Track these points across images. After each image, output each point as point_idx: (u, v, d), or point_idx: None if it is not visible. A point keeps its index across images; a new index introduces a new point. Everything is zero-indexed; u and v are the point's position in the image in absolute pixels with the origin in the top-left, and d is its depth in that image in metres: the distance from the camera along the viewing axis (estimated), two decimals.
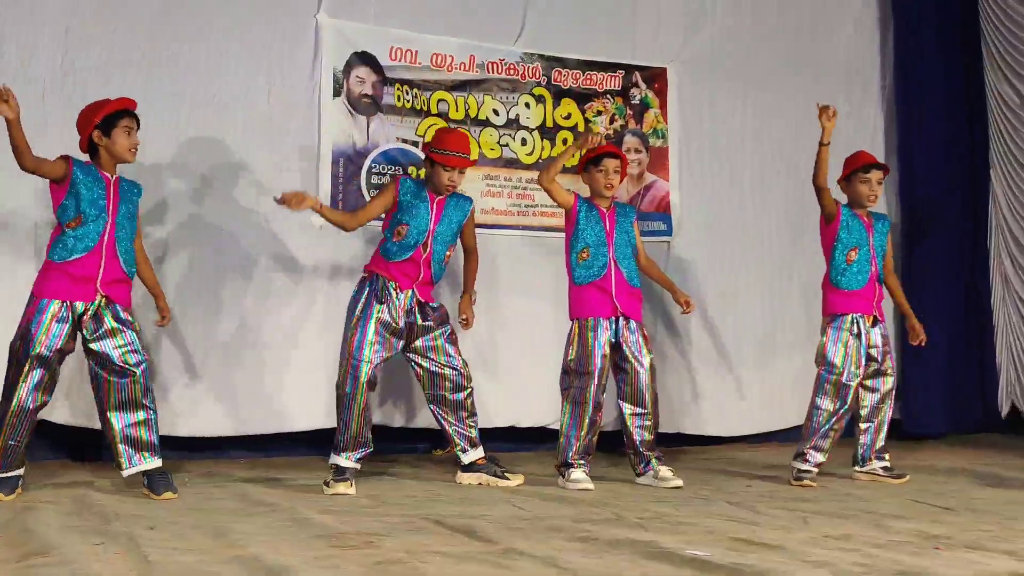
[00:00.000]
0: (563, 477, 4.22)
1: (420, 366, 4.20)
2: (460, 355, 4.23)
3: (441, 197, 4.21)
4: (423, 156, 4.35)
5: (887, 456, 4.53)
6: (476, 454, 4.26)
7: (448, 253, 4.24)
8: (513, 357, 5.21)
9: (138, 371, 3.74)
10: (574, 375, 4.28)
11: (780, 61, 6.02)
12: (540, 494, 3.96)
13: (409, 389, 5.01)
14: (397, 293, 4.10)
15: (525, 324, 5.22)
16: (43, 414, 4.32)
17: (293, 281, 4.89)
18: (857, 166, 4.50)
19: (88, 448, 4.57)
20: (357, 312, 4.09)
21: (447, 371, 4.18)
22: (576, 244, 4.31)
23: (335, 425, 4.09)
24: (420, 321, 4.14)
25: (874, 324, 4.47)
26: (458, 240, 4.30)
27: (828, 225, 4.46)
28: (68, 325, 3.68)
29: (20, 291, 4.15)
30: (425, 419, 5.10)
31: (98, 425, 4.47)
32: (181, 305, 4.64)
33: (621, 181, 4.45)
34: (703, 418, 5.62)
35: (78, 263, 3.70)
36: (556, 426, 5.25)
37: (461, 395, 4.22)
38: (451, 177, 4.16)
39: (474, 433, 4.27)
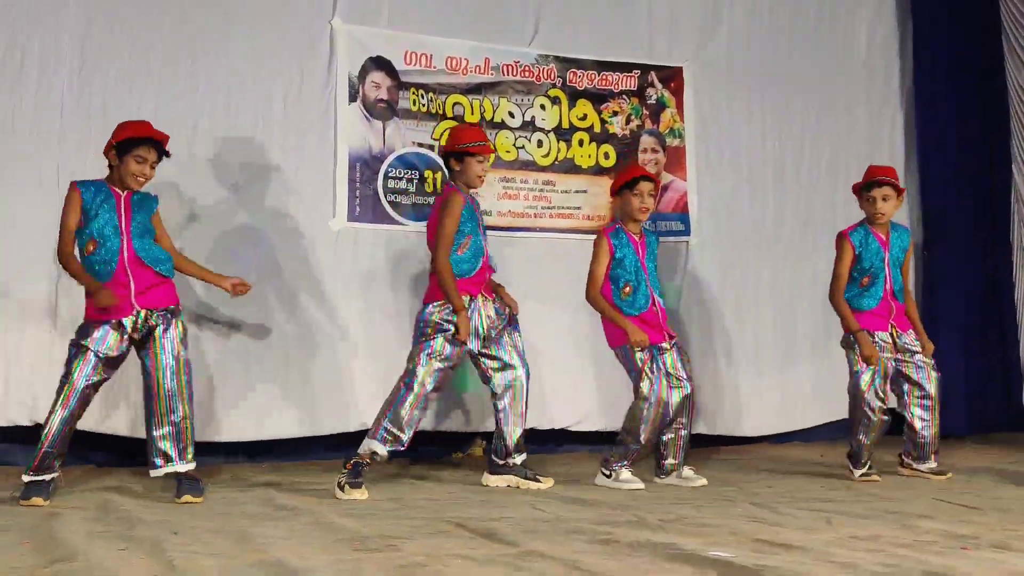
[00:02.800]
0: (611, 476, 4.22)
1: (493, 358, 4.23)
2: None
3: (474, 191, 4.26)
4: (445, 158, 4.35)
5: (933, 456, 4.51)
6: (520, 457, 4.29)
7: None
8: (533, 360, 5.19)
9: (182, 367, 3.79)
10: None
11: (797, 59, 5.99)
12: (560, 496, 3.95)
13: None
14: (482, 302, 4.17)
15: (543, 326, 5.21)
16: None
17: (315, 285, 4.90)
18: (862, 183, 4.51)
19: (113, 455, 4.60)
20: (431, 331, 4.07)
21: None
22: (618, 279, 4.28)
23: (361, 428, 4.11)
24: (496, 319, 4.21)
25: (899, 336, 4.46)
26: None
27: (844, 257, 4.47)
28: (121, 337, 3.75)
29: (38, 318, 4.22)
30: (446, 423, 5.12)
31: (123, 432, 4.53)
32: (202, 311, 4.66)
33: (656, 206, 4.44)
34: (724, 418, 5.59)
35: (110, 286, 3.74)
36: (574, 428, 5.27)
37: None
38: (484, 167, 4.22)
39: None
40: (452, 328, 4.04)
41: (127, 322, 3.76)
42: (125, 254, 3.78)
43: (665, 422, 4.22)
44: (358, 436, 4.45)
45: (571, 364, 5.16)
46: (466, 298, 4.09)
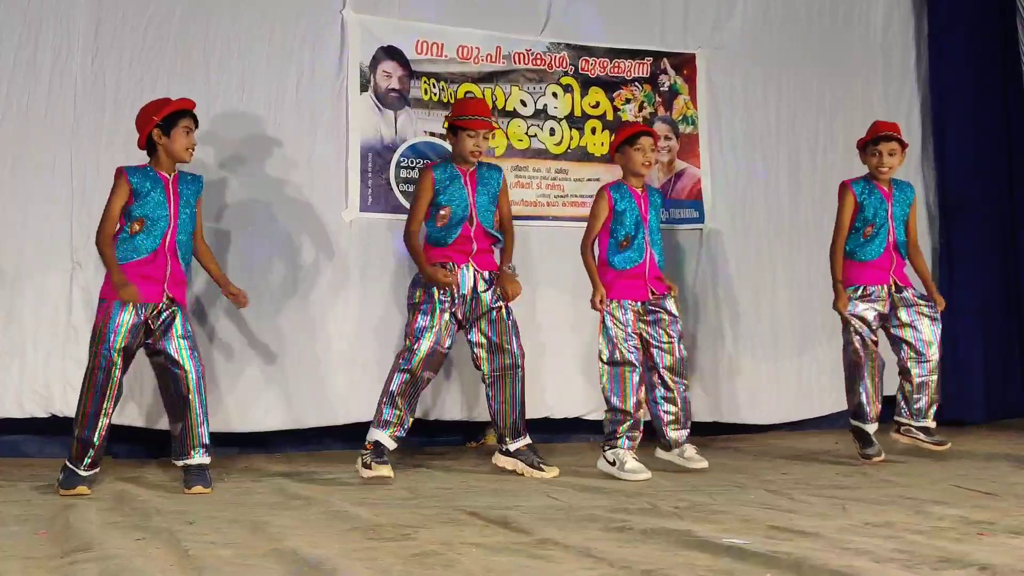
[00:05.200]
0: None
1: (481, 341, 4.23)
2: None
3: (472, 169, 4.25)
4: (447, 133, 4.41)
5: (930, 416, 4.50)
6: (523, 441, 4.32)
7: (496, 219, 4.32)
8: (547, 348, 5.20)
9: (194, 370, 3.83)
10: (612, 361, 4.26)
11: (812, 45, 5.94)
12: (574, 484, 3.95)
13: (441, 382, 5.01)
14: (456, 268, 4.20)
15: (558, 315, 5.21)
16: None
17: (326, 277, 4.90)
18: (868, 138, 4.53)
19: (129, 446, 4.62)
20: (417, 301, 4.16)
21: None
22: (616, 232, 4.31)
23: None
24: (482, 291, 4.23)
25: (899, 291, 4.47)
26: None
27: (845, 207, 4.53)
28: (139, 325, 3.78)
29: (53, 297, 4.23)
30: (459, 412, 5.12)
31: (139, 423, 4.55)
32: (216, 304, 4.68)
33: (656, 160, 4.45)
34: (738, 406, 5.57)
35: (144, 263, 3.79)
36: (587, 417, 5.27)
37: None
38: (476, 143, 4.22)
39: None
40: (424, 299, 4.13)
41: (151, 307, 3.79)
42: (167, 241, 3.83)
43: (636, 384, 4.19)
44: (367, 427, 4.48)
45: (584, 352, 5.15)
46: (450, 265, 4.18)
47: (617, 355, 4.20)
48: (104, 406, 3.75)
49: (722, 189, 5.67)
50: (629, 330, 4.24)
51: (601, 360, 4.25)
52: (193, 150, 3.90)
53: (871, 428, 4.47)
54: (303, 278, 4.87)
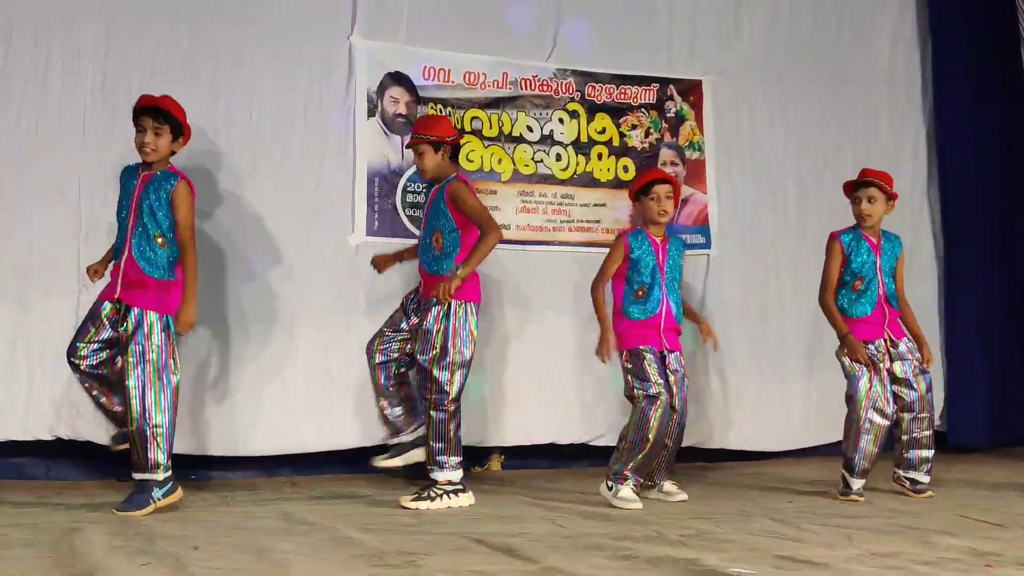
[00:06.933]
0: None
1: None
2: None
3: (437, 186, 4.28)
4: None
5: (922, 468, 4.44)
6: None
7: (435, 236, 4.21)
8: (552, 374, 5.20)
9: (133, 389, 3.74)
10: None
11: (818, 71, 5.97)
12: (580, 512, 3.94)
13: None
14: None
15: (564, 340, 5.21)
16: (88, 435, 4.42)
17: (333, 300, 4.91)
18: (849, 187, 4.51)
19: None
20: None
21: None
22: (632, 280, 4.30)
23: (379, 443, 4.13)
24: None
25: (894, 345, 4.43)
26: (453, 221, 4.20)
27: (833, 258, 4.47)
28: (101, 324, 3.83)
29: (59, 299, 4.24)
30: (464, 438, 5.10)
31: None
32: (217, 323, 4.68)
33: (676, 207, 4.44)
34: (745, 433, 5.56)
35: (117, 264, 3.86)
36: (595, 443, 5.26)
37: None
38: (419, 160, 4.28)
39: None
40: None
41: (108, 306, 3.83)
42: (128, 236, 3.84)
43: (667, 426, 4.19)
44: (376, 451, 4.47)
45: (590, 378, 5.15)
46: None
47: (652, 389, 4.15)
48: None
49: (729, 215, 5.68)
50: (656, 366, 4.20)
51: (633, 397, 4.19)
52: (151, 150, 3.83)
53: (856, 484, 4.38)
54: (309, 302, 4.87)
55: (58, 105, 4.56)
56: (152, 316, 3.79)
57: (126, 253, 3.83)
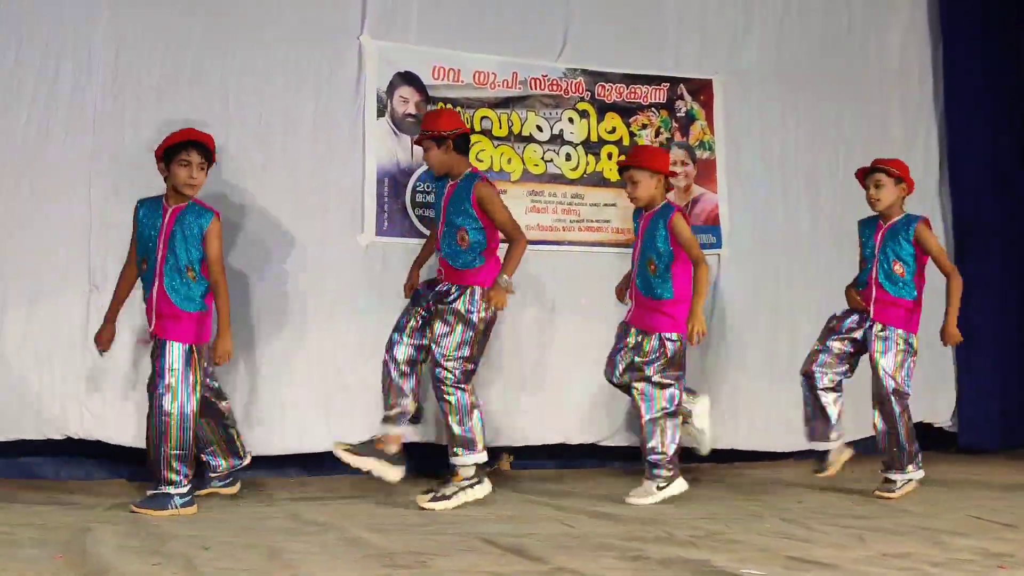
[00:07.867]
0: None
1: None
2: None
3: (453, 182, 4.29)
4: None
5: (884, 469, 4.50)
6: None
7: (460, 234, 4.23)
8: (562, 374, 5.19)
9: (156, 410, 3.81)
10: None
11: (828, 69, 5.94)
12: (589, 512, 3.93)
13: None
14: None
15: (574, 340, 5.20)
16: (98, 435, 4.44)
17: (344, 300, 4.91)
18: (860, 176, 4.71)
19: (145, 469, 4.62)
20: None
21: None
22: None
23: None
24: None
25: (870, 326, 4.53)
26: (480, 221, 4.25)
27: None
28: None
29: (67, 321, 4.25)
30: None
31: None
32: (234, 326, 4.67)
33: (637, 190, 4.41)
34: (756, 433, 5.54)
35: (147, 298, 3.89)
36: (604, 443, 5.25)
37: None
38: (426, 156, 4.33)
39: None
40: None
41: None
42: (157, 270, 3.85)
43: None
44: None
45: (600, 378, 5.14)
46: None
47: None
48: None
49: (740, 214, 5.66)
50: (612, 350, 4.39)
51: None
52: (193, 184, 3.86)
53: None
54: (319, 302, 4.88)
55: (68, 105, 4.56)
56: (176, 346, 3.83)
57: (156, 286, 3.86)
